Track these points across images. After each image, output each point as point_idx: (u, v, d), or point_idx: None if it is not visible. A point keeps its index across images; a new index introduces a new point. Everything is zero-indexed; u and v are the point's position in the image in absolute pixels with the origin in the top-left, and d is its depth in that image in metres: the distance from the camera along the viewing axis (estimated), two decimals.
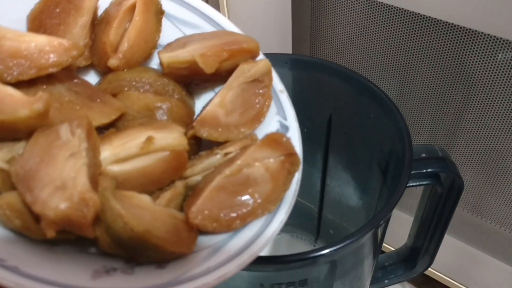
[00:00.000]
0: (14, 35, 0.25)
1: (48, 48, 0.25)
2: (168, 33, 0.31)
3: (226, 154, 0.28)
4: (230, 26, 0.32)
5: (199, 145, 0.29)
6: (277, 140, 0.28)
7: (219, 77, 0.30)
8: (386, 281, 0.44)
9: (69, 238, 0.23)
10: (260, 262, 0.27)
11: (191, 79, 0.30)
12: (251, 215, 0.26)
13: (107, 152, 0.25)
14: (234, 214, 0.25)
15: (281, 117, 0.31)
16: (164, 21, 0.31)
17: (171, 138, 0.26)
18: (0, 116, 0.22)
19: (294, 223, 0.55)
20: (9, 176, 0.23)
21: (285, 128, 0.30)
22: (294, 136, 0.30)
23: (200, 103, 0.31)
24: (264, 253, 0.53)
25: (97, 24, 0.30)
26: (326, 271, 0.31)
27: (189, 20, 0.32)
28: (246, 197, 0.26)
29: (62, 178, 0.21)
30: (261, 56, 0.31)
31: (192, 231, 0.25)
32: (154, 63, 0.31)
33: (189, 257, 0.24)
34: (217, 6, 0.48)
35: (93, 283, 0.21)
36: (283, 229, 0.55)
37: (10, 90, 0.23)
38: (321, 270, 0.31)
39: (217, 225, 0.25)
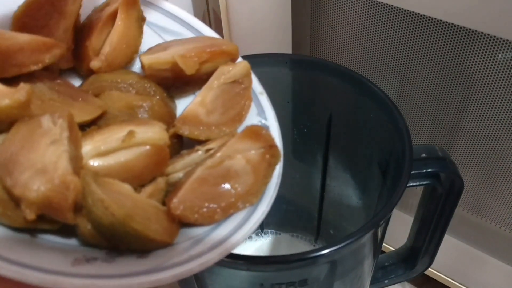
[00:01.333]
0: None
1: (30, 46, 0.25)
2: (149, 40, 0.32)
3: (207, 150, 0.28)
4: (211, 33, 0.33)
5: (181, 145, 0.30)
6: (257, 132, 0.28)
7: (200, 80, 0.30)
8: (386, 281, 0.44)
9: (50, 228, 0.22)
10: (260, 262, 0.28)
11: (172, 82, 0.31)
12: (233, 207, 0.26)
13: (88, 146, 0.25)
14: (215, 206, 0.25)
15: (262, 118, 0.31)
16: (146, 29, 0.32)
17: (152, 132, 0.26)
18: None
19: (294, 223, 0.55)
20: None
21: (266, 127, 0.30)
22: (275, 135, 0.30)
23: (181, 106, 0.32)
24: (264, 253, 0.53)
25: (80, 29, 0.30)
26: (326, 271, 0.31)
27: (170, 27, 0.33)
28: (227, 189, 0.26)
29: (43, 162, 0.21)
30: (240, 59, 0.31)
31: (174, 222, 0.25)
32: (136, 68, 0.32)
33: (171, 247, 0.24)
34: (217, 6, 0.48)
35: (73, 269, 0.21)
36: (283, 229, 0.55)
37: None
38: (321, 270, 0.30)
39: (198, 216, 0.25)
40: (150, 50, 0.31)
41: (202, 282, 0.32)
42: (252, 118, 0.31)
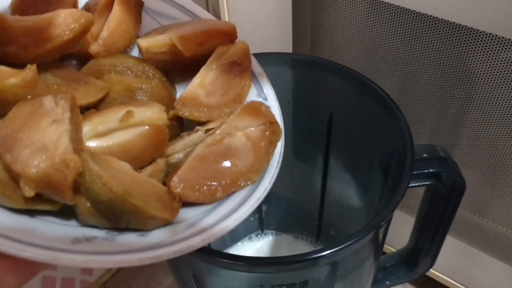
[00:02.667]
0: (16, 18, 0.26)
1: (59, 20, 0.26)
2: (147, 25, 0.32)
3: (207, 131, 0.28)
4: (209, 16, 0.32)
5: (181, 128, 0.29)
6: (257, 109, 0.28)
7: (199, 63, 0.30)
8: (387, 282, 0.44)
9: (50, 209, 0.22)
10: (260, 263, 0.27)
11: (172, 66, 0.30)
12: (234, 185, 0.25)
13: (87, 127, 0.25)
14: (216, 184, 0.25)
15: (262, 98, 0.31)
16: (143, 14, 0.32)
17: (151, 112, 0.26)
18: None
19: (294, 223, 0.55)
20: None
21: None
22: (276, 114, 0.30)
23: (180, 91, 0.31)
24: (265, 254, 0.52)
25: None
26: (327, 272, 0.31)
27: (167, 12, 0.32)
28: (228, 167, 0.26)
29: (44, 141, 0.22)
30: (238, 40, 0.31)
31: (174, 200, 0.25)
32: (135, 53, 0.32)
33: (172, 226, 0.24)
34: (217, 5, 0.48)
35: (72, 246, 0.21)
36: (283, 230, 0.55)
37: None
38: (322, 271, 0.30)
39: (199, 194, 0.25)
40: (147, 34, 0.30)
41: (202, 283, 0.32)
42: (252, 99, 0.31)
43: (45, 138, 0.22)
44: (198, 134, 0.28)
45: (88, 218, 0.23)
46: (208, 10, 0.58)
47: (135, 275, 0.58)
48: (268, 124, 0.27)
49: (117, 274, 0.58)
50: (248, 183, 0.26)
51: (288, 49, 0.47)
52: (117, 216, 0.22)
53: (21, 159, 0.21)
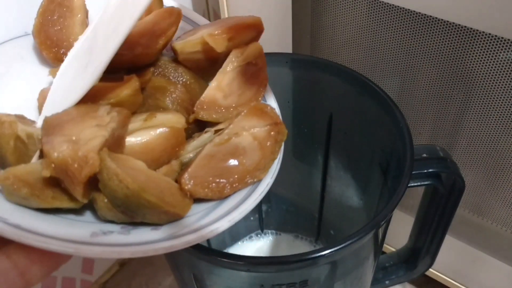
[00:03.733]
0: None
1: (158, 18, 0.30)
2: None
3: (216, 131, 0.29)
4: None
5: (197, 129, 0.31)
6: (262, 110, 0.29)
7: None
8: (387, 282, 0.44)
9: (72, 207, 0.24)
10: (260, 262, 0.27)
11: (206, 64, 0.32)
12: (241, 182, 0.27)
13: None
14: (225, 181, 0.27)
15: (262, 100, 0.32)
16: None
17: (171, 116, 0.28)
18: (110, 100, 0.27)
19: (294, 223, 0.55)
20: (27, 149, 0.25)
21: None
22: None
23: None
24: (265, 253, 0.53)
25: None
26: (326, 272, 0.31)
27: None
28: (235, 165, 0.27)
29: (79, 136, 0.23)
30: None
31: (186, 196, 0.26)
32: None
33: (183, 220, 0.25)
34: (217, 5, 0.48)
35: (91, 239, 0.22)
36: (283, 230, 0.55)
37: (101, 84, 0.27)
38: (322, 271, 0.30)
39: (208, 191, 0.26)
40: (179, 38, 0.32)
41: (202, 283, 0.32)
42: None
43: (81, 135, 0.24)
44: (208, 134, 0.29)
45: (106, 213, 0.24)
46: (208, 10, 0.58)
47: (135, 275, 0.58)
48: (273, 124, 0.29)
49: (117, 274, 0.59)
50: (255, 180, 0.27)
51: (288, 49, 0.47)
52: (133, 211, 0.24)
53: (52, 143, 0.23)
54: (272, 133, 0.29)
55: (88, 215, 0.25)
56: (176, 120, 0.28)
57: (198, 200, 0.26)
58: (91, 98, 0.26)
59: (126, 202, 0.23)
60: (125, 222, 0.25)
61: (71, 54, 0.29)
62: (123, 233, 0.24)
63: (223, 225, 0.24)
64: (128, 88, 0.27)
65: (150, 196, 0.23)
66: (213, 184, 0.26)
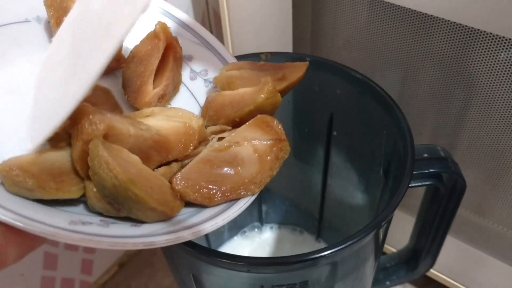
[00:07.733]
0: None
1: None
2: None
3: (220, 139, 0.29)
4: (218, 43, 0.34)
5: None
6: (268, 123, 0.29)
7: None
8: (387, 283, 0.44)
9: (72, 197, 0.24)
10: (260, 263, 0.27)
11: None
12: (234, 193, 0.26)
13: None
14: (216, 189, 0.26)
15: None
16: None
17: (192, 115, 0.29)
18: (249, 107, 0.28)
19: (294, 223, 0.55)
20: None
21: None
22: None
23: None
24: (264, 253, 0.52)
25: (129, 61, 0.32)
26: (327, 272, 0.30)
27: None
28: (230, 174, 0.26)
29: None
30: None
31: (177, 198, 0.25)
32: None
33: (166, 220, 0.25)
34: (216, 5, 0.48)
35: (69, 227, 0.22)
36: (283, 229, 0.55)
37: (239, 91, 0.29)
38: (322, 271, 0.30)
39: (198, 195, 0.26)
40: (223, 69, 0.33)
41: (201, 283, 0.32)
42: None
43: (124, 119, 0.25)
44: (212, 141, 0.29)
45: (95, 203, 0.24)
46: (208, 10, 0.58)
47: (134, 276, 0.58)
48: (277, 140, 0.28)
49: (117, 274, 0.58)
50: (248, 193, 0.26)
51: (288, 49, 0.47)
52: (119, 203, 0.23)
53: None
54: (274, 148, 0.28)
55: (80, 208, 0.25)
56: (195, 119, 0.28)
57: (187, 203, 0.26)
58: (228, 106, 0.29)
59: (114, 193, 0.23)
60: (111, 215, 0.24)
61: (51, 52, 0.28)
62: (102, 225, 0.24)
63: (206, 228, 0.24)
64: (263, 92, 0.28)
65: (138, 190, 0.23)
66: (204, 190, 0.26)
